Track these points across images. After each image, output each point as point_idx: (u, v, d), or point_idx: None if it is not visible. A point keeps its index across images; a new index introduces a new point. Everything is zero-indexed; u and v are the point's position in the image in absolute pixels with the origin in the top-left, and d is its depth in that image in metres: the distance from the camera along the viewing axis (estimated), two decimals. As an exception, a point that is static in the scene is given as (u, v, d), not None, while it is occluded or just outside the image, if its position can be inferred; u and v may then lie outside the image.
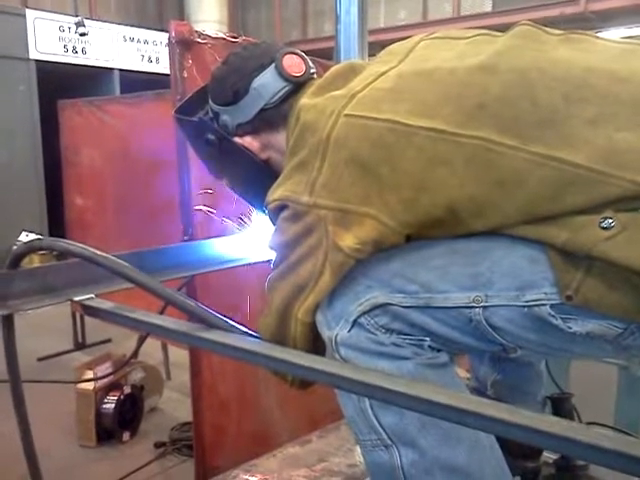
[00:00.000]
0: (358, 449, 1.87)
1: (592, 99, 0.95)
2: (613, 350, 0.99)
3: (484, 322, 0.99)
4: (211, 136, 1.35)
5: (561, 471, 1.49)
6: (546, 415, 0.71)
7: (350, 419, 1.10)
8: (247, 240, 1.67)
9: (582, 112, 0.94)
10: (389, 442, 1.05)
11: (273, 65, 1.29)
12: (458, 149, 0.97)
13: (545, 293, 0.94)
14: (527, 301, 0.96)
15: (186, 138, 1.52)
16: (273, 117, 1.30)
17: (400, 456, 1.05)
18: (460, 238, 1.02)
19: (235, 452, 2.40)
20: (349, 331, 1.05)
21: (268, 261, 1.68)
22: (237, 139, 1.34)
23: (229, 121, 1.34)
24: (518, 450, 1.36)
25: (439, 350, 1.06)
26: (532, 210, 0.94)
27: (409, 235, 1.04)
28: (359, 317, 1.04)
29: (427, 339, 1.04)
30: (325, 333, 1.08)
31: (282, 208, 1.11)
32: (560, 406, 1.52)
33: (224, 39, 2.43)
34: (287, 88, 1.29)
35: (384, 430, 1.05)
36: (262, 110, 1.30)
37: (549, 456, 1.53)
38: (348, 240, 1.01)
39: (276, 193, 1.12)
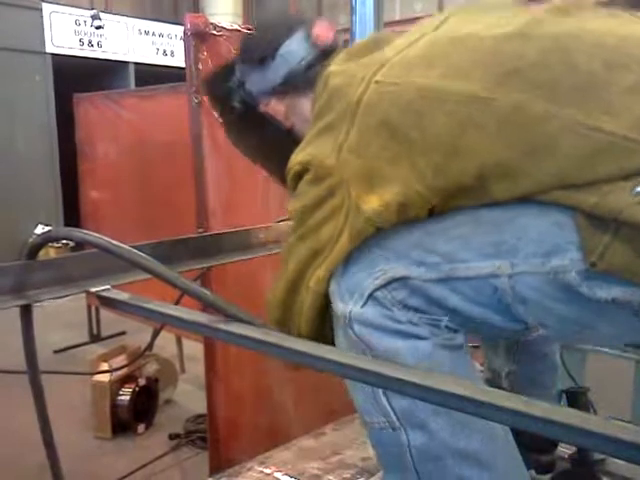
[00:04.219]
0: (372, 442, 1.87)
1: (632, 67, 0.93)
2: None
3: (510, 292, 0.95)
4: (237, 104, 1.35)
5: (577, 466, 1.48)
6: (563, 407, 0.70)
7: (361, 406, 1.08)
8: (262, 232, 1.67)
9: (622, 79, 0.92)
10: (397, 424, 1.03)
11: (302, 32, 1.28)
12: (491, 113, 0.95)
13: (571, 259, 0.91)
14: (553, 267, 0.92)
15: (212, 108, 1.52)
16: (299, 83, 1.29)
17: (408, 438, 1.03)
18: (483, 208, 0.99)
19: (249, 444, 2.41)
20: (363, 306, 1.01)
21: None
22: (262, 106, 1.34)
23: (255, 87, 1.33)
24: (532, 443, 1.36)
25: (456, 331, 1.03)
26: (562, 177, 0.92)
27: (433, 208, 1.01)
28: (375, 291, 1.00)
29: (444, 318, 1.01)
30: (338, 307, 1.05)
31: (304, 172, 1.09)
32: (576, 400, 1.51)
33: (239, 31, 2.43)
34: (315, 55, 1.28)
35: (394, 412, 1.03)
36: (288, 76, 1.29)
37: (564, 450, 1.52)
38: (372, 202, 0.98)
39: (299, 156, 1.10)
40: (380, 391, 1.03)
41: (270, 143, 1.40)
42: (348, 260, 1.03)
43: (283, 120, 1.34)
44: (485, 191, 0.97)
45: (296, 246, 1.11)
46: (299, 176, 1.10)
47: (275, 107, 1.33)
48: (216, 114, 1.48)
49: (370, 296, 1.01)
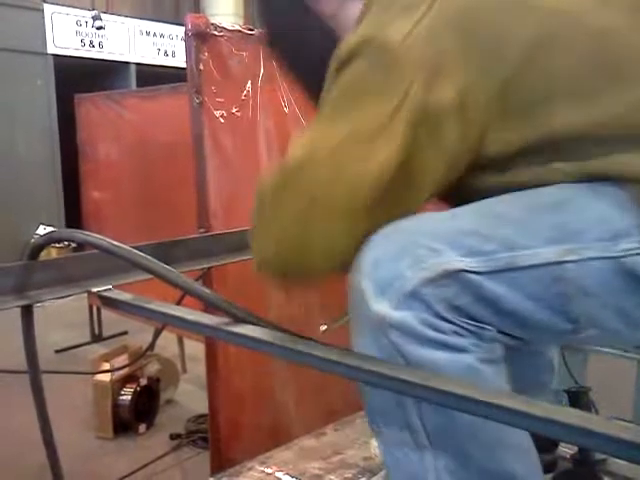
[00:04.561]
0: (373, 442, 1.87)
1: None
2: None
3: (573, 281, 0.85)
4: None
5: (578, 465, 1.49)
6: (564, 407, 0.70)
7: (376, 410, 0.96)
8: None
9: None
10: (425, 443, 0.90)
11: None
12: (578, 28, 0.89)
13: (639, 241, 0.85)
14: (621, 250, 0.84)
15: (257, 12, 1.35)
16: None
17: (435, 461, 0.90)
18: (536, 191, 0.92)
19: (250, 444, 2.41)
20: (401, 306, 0.85)
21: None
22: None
23: None
24: (533, 442, 1.36)
25: (497, 341, 0.91)
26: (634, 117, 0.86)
27: (484, 133, 0.91)
28: (420, 287, 0.85)
29: (489, 327, 0.88)
30: (368, 305, 0.88)
31: (356, 54, 0.94)
32: (577, 400, 1.51)
33: (240, 31, 2.44)
34: None
35: (425, 430, 0.90)
36: None
37: (566, 450, 1.52)
38: (436, 92, 0.88)
39: (361, 31, 0.95)
40: (412, 401, 0.89)
41: (313, 46, 1.21)
42: (382, 248, 0.89)
43: (329, 18, 1.16)
44: (547, 117, 0.91)
45: (323, 127, 0.95)
46: (350, 60, 0.95)
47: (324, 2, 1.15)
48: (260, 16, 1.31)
49: (412, 293, 0.85)
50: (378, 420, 0.95)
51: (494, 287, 0.86)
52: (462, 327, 0.87)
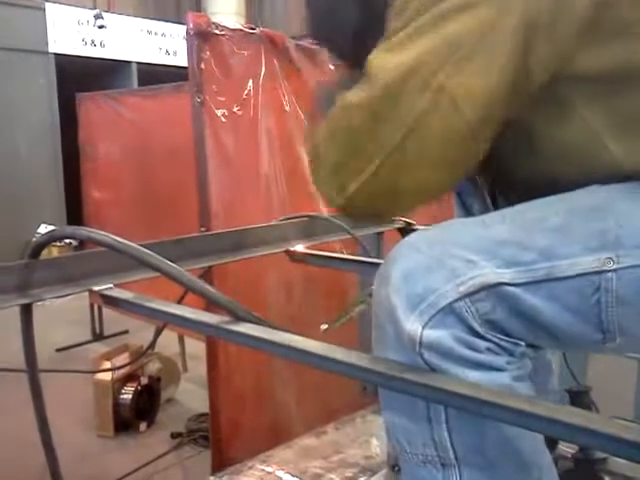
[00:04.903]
0: (374, 441, 1.87)
1: None
2: None
3: (611, 291, 0.82)
4: None
5: (579, 465, 1.48)
6: (566, 406, 0.70)
7: (398, 425, 0.90)
8: (265, 231, 1.67)
9: None
10: (453, 462, 0.85)
11: None
12: None
13: None
14: None
15: None
16: None
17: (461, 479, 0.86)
18: (570, 195, 0.88)
19: (251, 443, 2.41)
20: (434, 322, 0.81)
21: (287, 252, 1.69)
22: None
23: None
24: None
25: (526, 356, 0.88)
26: None
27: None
28: (456, 301, 0.81)
29: (521, 342, 0.85)
30: (402, 323, 0.83)
31: None
32: (578, 399, 1.51)
33: (242, 30, 2.44)
34: None
35: (453, 448, 0.85)
36: None
37: (567, 450, 1.52)
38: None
39: None
40: (443, 418, 0.85)
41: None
42: (412, 260, 0.85)
43: None
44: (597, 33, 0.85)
45: (402, 43, 0.85)
46: None
47: None
48: None
49: (447, 308, 0.81)
50: (403, 442, 0.90)
51: (531, 299, 0.82)
52: (496, 344, 0.83)
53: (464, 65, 0.82)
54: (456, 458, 0.85)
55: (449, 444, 0.85)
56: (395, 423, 0.90)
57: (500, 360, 0.83)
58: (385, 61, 0.85)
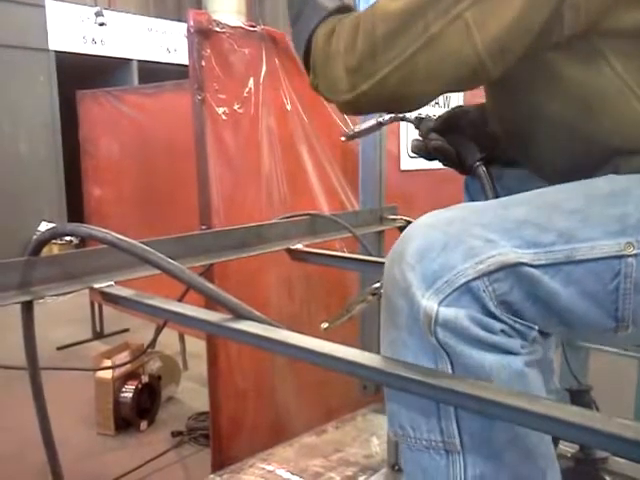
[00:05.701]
0: (375, 440, 1.87)
1: None
2: None
3: (631, 276, 0.81)
4: None
5: (580, 464, 1.48)
6: (566, 404, 0.70)
7: (402, 412, 0.89)
8: (266, 229, 1.67)
9: None
10: (458, 449, 0.84)
11: None
12: None
13: None
14: None
15: None
16: None
17: (465, 467, 0.84)
18: (590, 181, 0.89)
19: (251, 441, 2.42)
20: (449, 300, 0.79)
21: (287, 250, 1.69)
22: None
23: None
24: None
25: (538, 342, 0.86)
26: None
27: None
28: (474, 280, 0.79)
29: (535, 325, 0.83)
30: (417, 300, 0.81)
31: None
32: (579, 399, 1.51)
33: (242, 28, 2.44)
34: None
35: (459, 435, 0.83)
36: None
37: (567, 449, 1.52)
38: None
39: None
40: (452, 410, 0.83)
41: None
42: (429, 238, 0.83)
43: None
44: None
45: None
46: None
47: None
48: None
49: (464, 287, 0.79)
50: (407, 427, 0.88)
51: (549, 282, 0.81)
52: (511, 327, 0.82)
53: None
54: (462, 445, 0.83)
55: (456, 431, 0.83)
56: (399, 409, 0.88)
57: (514, 343, 0.82)
58: None
